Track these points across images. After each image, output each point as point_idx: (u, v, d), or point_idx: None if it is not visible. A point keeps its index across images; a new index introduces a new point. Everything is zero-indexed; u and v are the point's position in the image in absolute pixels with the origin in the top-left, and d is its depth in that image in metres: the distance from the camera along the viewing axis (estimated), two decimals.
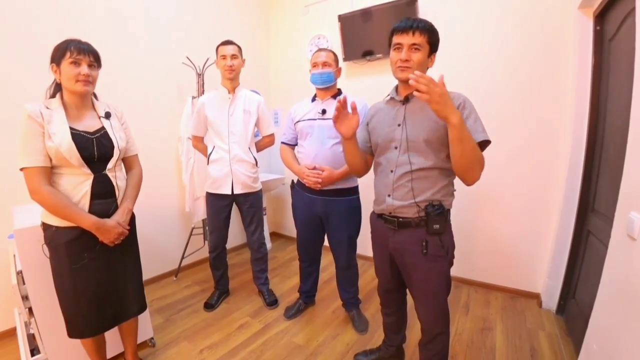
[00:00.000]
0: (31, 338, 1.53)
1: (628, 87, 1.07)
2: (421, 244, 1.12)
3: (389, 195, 1.18)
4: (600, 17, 1.65)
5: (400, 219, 1.17)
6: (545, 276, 2.06)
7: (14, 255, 1.51)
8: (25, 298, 1.35)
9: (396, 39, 1.11)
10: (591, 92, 1.73)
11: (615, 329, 1.00)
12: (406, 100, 1.17)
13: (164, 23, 2.38)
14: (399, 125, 1.16)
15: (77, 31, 1.87)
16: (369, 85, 2.65)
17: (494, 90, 2.14)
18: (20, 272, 1.32)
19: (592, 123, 1.73)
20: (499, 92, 2.13)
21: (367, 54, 2.58)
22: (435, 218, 1.09)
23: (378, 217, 1.28)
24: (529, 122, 2.06)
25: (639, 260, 0.90)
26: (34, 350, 1.46)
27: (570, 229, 1.87)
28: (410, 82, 0.93)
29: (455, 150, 1.00)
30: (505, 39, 2.09)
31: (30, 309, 1.36)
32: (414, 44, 1.07)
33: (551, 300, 2.01)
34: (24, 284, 1.33)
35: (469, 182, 1.06)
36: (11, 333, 1.78)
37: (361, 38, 2.58)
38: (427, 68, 1.16)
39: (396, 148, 1.16)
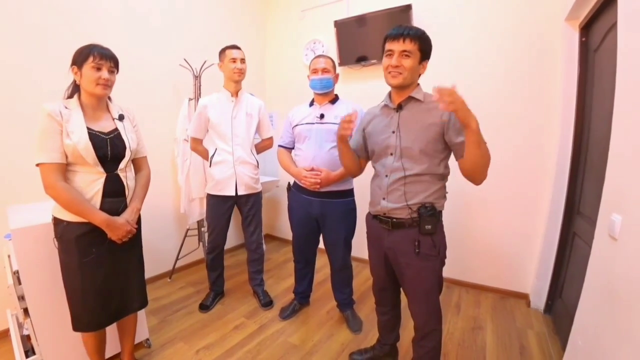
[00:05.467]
0: (25, 339, 1.52)
1: (611, 96, 1.13)
2: (414, 244, 1.17)
3: (383, 198, 1.22)
4: (586, 29, 1.72)
5: (394, 220, 1.21)
6: (533, 277, 2.13)
7: (9, 256, 1.50)
8: (20, 298, 1.34)
9: (388, 45, 1.15)
10: (577, 100, 1.80)
11: (598, 324, 1.05)
12: (399, 107, 1.21)
13: (162, 25, 2.39)
14: (393, 132, 1.20)
15: (74, 33, 1.88)
16: (364, 90, 2.69)
17: (485, 98, 2.21)
18: (17, 272, 1.31)
19: (578, 130, 1.80)
20: (490, 100, 2.20)
21: (361, 59, 2.63)
22: (427, 219, 1.14)
23: (373, 218, 1.32)
24: (519, 129, 2.13)
25: (620, 259, 0.96)
26: (28, 352, 1.45)
27: (557, 231, 1.94)
28: (434, 97, 0.97)
29: (474, 154, 1.03)
30: (496, 49, 2.16)
31: (25, 310, 1.35)
32: (405, 51, 1.11)
33: (539, 300, 2.07)
34: (19, 284, 1.32)
35: (478, 182, 1.12)
36: (3, 335, 1.76)
37: (356, 44, 2.63)
38: (419, 75, 1.20)
39: (392, 154, 1.20)
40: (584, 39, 1.75)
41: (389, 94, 1.27)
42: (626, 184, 0.97)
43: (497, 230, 2.28)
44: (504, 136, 2.17)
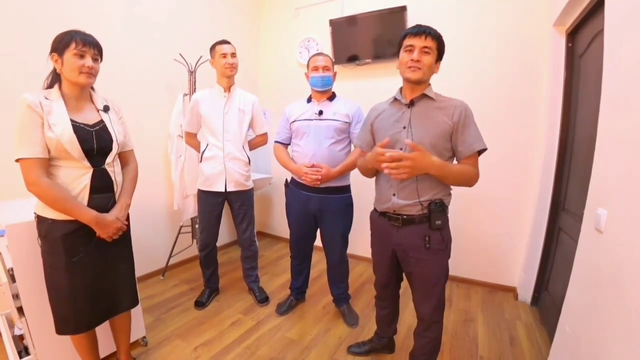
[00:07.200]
0: (17, 339, 1.48)
1: (596, 99, 1.20)
2: (424, 239, 1.20)
3: (394, 195, 1.24)
4: (572, 35, 1.81)
5: (405, 217, 1.23)
6: (520, 271, 2.23)
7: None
8: (15, 297, 1.30)
9: (408, 41, 1.16)
10: (563, 103, 1.89)
11: (585, 311, 1.12)
12: (411, 103, 1.22)
13: (157, 20, 2.35)
14: (404, 127, 1.21)
15: (68, 27, 1.82)
16: (357, 88, 2.73)
17: (477, 100, 2.24)
18: (11, 269, 1.27)
19: (564, 131, 1.90)
20: (481, 102, 2.25)
21: (353, 58, 2.66)
22: (438, 215, 1.17)
23: (380, 215, 1.33)
24: (508, 130, 2.22)
25: (606, 250, 1.03)
26: (21, 353, 1.41)
27: (543, 226, 2.04)
28: (386, 172, 1.07)
29: (445, 182, 1.19)
30: (487, 53, 2.23)
31: (20, 309, 1.31)
32: (426, 47, 1.13)
33: (526, 293, 2.17)
34: (14, 282, 1.28)
35: (470, 186, 1.23)
36: None
37: (350, 43, 2.66)
38: (433, 73, 1.21)
39: (401, 149, 1.21)
40: (570, 45, 1.84)
41: (400, 90, 1.28)
42: (611, 181, 1.04)
43: (486, 227, 2.37)
44: (494, 136, 2.24)
